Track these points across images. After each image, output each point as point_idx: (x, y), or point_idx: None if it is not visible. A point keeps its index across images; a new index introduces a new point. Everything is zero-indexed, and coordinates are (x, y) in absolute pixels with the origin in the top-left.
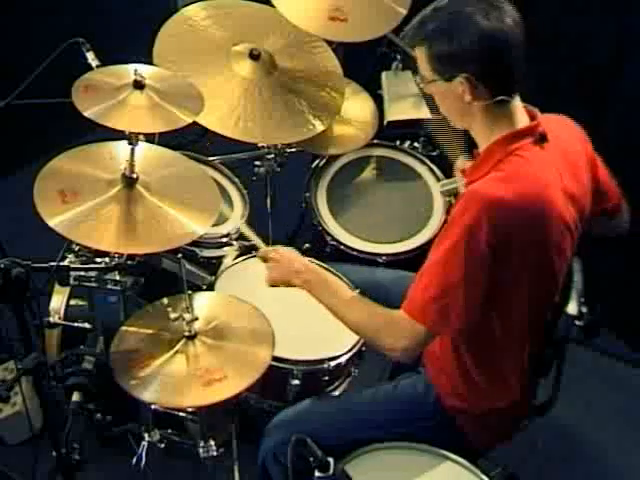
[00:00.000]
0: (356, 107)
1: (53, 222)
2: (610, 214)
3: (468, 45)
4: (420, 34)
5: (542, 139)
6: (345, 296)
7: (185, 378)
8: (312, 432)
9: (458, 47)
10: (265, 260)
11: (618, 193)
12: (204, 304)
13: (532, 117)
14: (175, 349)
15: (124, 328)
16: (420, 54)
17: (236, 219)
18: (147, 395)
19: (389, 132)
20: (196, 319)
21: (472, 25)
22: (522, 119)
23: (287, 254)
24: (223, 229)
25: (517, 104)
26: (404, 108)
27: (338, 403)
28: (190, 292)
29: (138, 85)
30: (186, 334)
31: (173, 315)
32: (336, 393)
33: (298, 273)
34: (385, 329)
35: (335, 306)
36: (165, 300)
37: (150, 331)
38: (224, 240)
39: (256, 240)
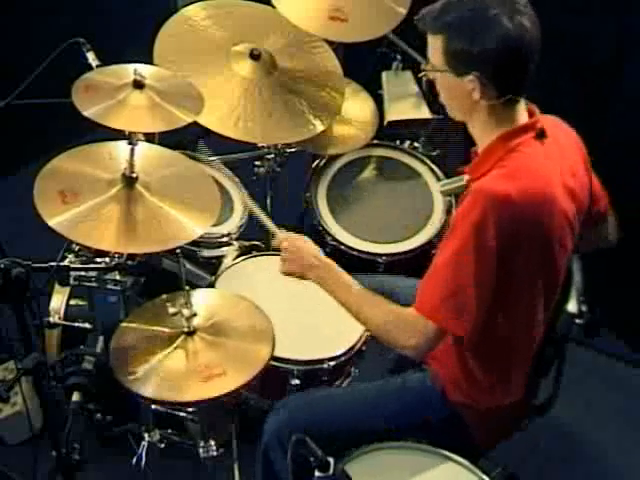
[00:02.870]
0: (356, 107)
1: (53, 222)
2: (596, 219)
3: (489, 47)
4: (440, 23)
5: (542, 135)
6: (358, 292)
7: (184, 373)
8: (317, 417)
9: (478, 47)
10: (278, 249)
11: (607, 203)
12: (203, 301)
13: (530, 113)
14: (174, 345)
15: (123, 324)
16: (435, 42)
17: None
18: (146, 390)
19: (389, 132)
20: (195, 315)
21: (497, 27)
22: (523, 117)
23: (301, 246)
24: (223, 229)
25: (522, 103)
26: (404, 108)
27: (345, 392)
28: (188, 287)
29: (138, 85)
30: (185, 330)
31: (172, 310)
32: None
33: (312, 268)
34: (397, 327)
35: (348, 302)
36: (164, 296)
37: (149, 327)
38: (224, 240)
39: (268, 223)
